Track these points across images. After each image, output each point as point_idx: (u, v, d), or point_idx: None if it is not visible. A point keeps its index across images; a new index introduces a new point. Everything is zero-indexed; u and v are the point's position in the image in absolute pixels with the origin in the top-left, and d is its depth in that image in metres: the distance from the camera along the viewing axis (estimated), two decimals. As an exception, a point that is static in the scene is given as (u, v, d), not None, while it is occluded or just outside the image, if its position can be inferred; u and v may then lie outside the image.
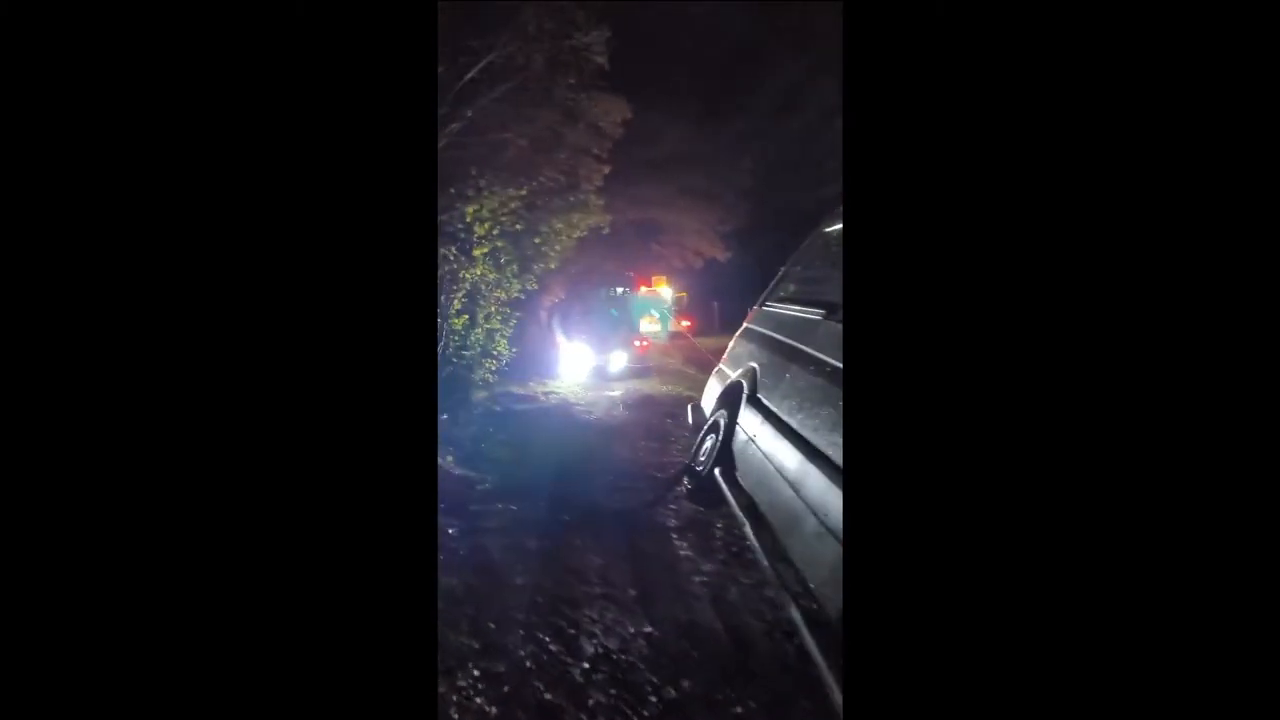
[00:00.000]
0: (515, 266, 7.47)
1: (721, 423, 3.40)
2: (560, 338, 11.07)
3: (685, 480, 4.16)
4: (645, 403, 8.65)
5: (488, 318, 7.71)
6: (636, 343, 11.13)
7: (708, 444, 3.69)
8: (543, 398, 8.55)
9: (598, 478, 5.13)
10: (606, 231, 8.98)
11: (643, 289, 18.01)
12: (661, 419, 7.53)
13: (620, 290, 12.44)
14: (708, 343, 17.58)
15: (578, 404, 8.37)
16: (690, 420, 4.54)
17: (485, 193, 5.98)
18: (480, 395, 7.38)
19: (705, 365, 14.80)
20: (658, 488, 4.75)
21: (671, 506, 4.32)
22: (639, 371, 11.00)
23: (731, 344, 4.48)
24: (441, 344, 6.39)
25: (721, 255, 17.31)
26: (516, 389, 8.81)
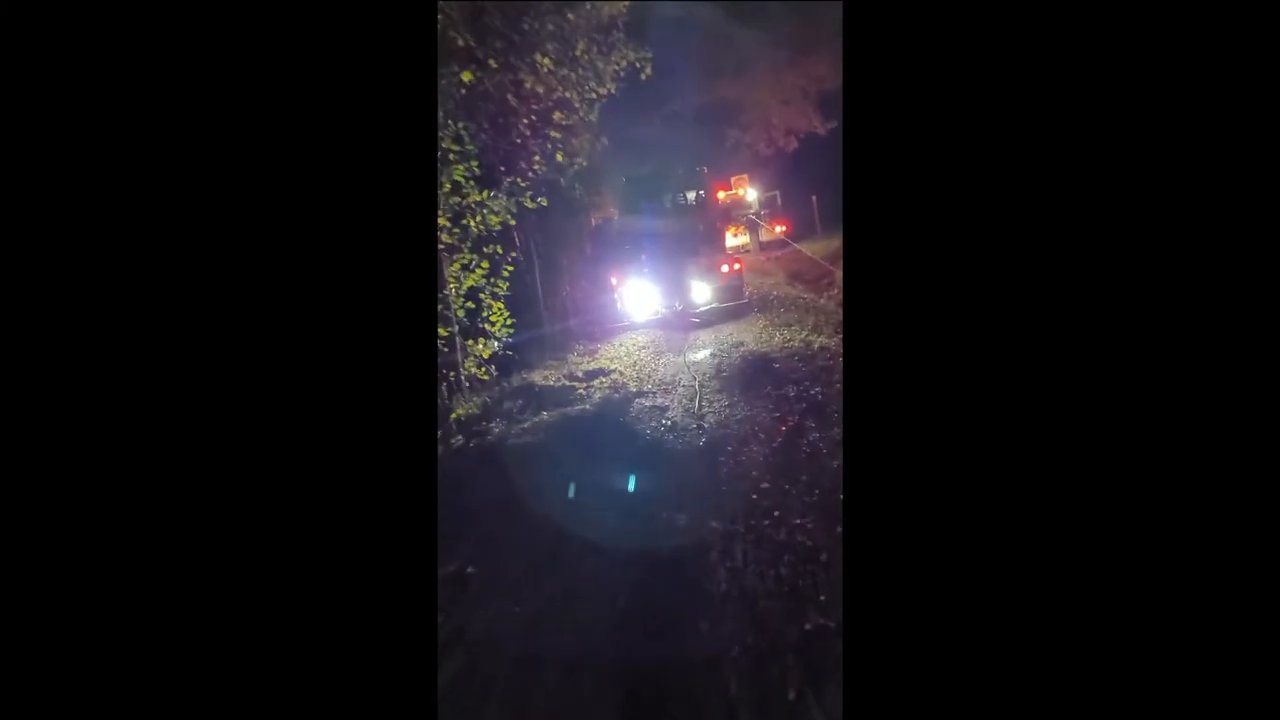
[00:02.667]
0: (475, 165, 3.87)
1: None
2: (613, 279, 7.48)
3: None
4: (761, 371, 4.99)
5: (466, 268, 4.27)
6: (723, 267, 7.31)
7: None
8: (582, 390, 5.06)
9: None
10: (648, 74, 5.04)
11: (720, 194, 13.77)
12: (818, 417, 3.86)
13: (692, 195, 8.46)
14: (811, 248, 13.27)
15: (644, 398, 4.84)
16: None
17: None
18: (464, 412, 4.08)
19: (820, 282, 10.72)
20: None
21: None
22: (732, 309, 7.26)
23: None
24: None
25: (822, 127, 12.59)
26: (539, 377, 5.42)
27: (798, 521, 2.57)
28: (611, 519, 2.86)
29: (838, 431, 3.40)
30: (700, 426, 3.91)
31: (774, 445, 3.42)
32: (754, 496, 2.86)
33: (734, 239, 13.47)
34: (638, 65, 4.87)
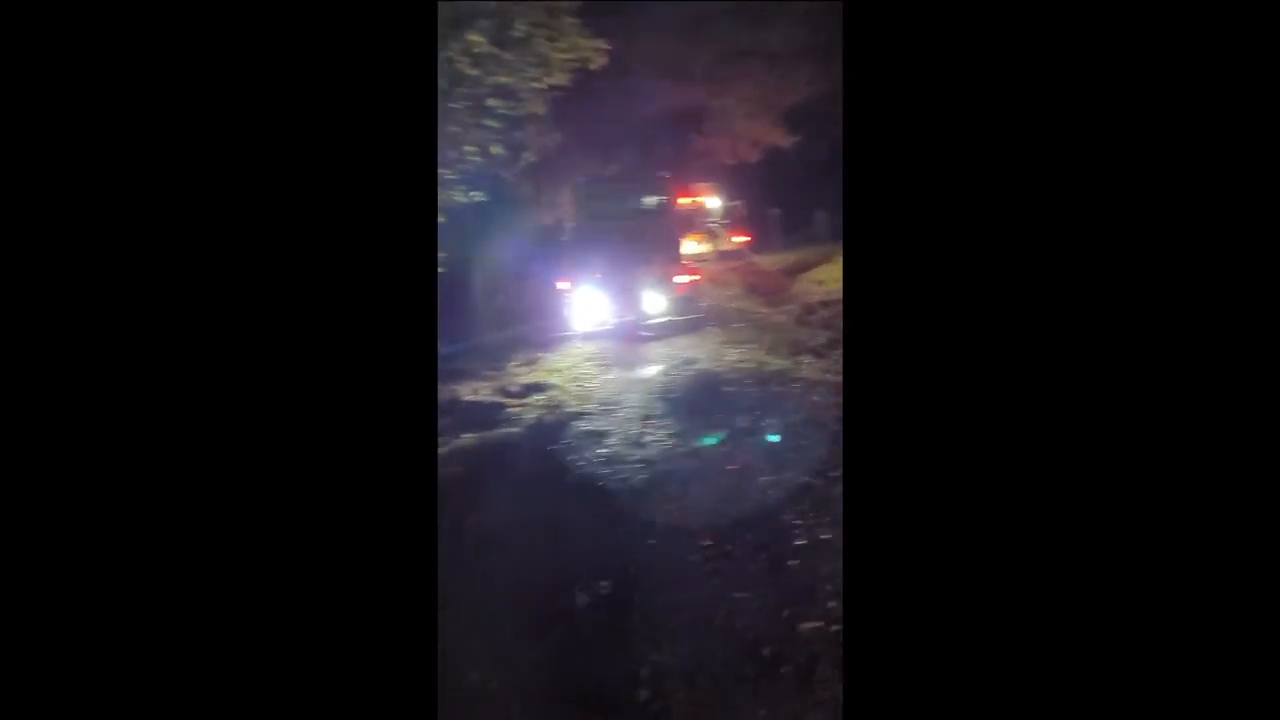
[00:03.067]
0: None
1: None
2: (563, 282, 6.98)
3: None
4: (711, 394, 4.60)
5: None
6: (680, 278, 6.92)
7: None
8: (514, 409, 4.54)
9: None
10: (599, 65, 4.57)
11: (683, 200, 13.43)
12: (770, 457, 3.48)
13: (653, 201, 8.02)
14: (769, 261, 13.10)
15: (582, 420, 4.37)
16: None
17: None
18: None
19: (776, 296, 10.48)
20: None
21: None
22: (687, 321, 6.87)
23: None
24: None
25: (785, 141, 12.40)
26: (468, 392, 4.88)
27: (739, 595, 2.15)
28: (501, 583, 2.38)
29: (789, 475, 3.02)
30: (641, 460, 3.47)
31: (720, 488, 3.01)
32: (691, 559, 2.43)
33: (695, 246, 13.15)
34: (589, 56, 4.39)
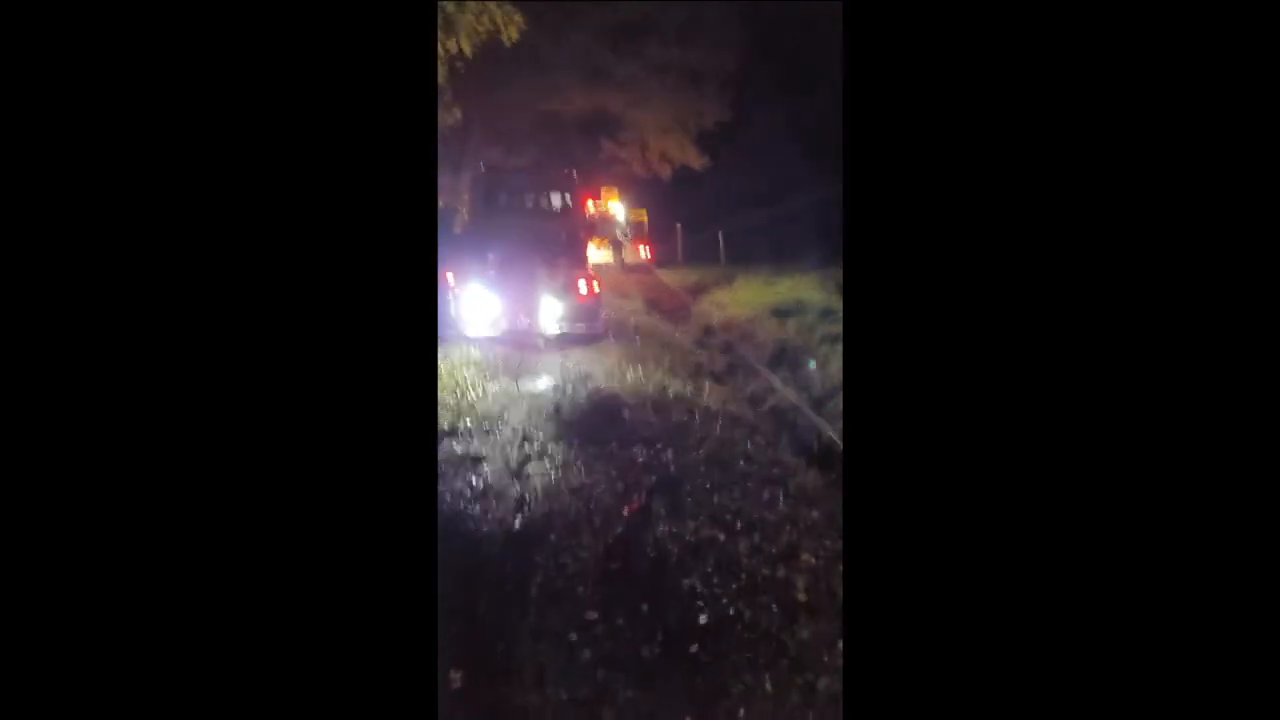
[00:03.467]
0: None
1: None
2: (450, 277, 6.20)
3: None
4: (608, 418, 4.15)
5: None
6: (581, 285, 6.42)
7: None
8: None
9: None
10: (512, 38, 4.00)
11: (589, 203, 12.98)
12: (670, 499, 3.08)
13: (557, 199, 7.47)
14: (671, 277, 13.02)
15: (455, 440, 3.74)
16: None
17: None
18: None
19: (677, 314, 10.32)
20: None
21: None
22: (586, 332, 6.38)
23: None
24: None
25: (696, 161, 12.43)
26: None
27: (629, 694, 1.71)
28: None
29: (692, 524, 2.65)
30: (521, 497, 2.94)
31: (611, 539, 2.56)
32: (571, 638, 1.95)
33: (597, 252, 12.74)
34: (501, 28, 3.81)
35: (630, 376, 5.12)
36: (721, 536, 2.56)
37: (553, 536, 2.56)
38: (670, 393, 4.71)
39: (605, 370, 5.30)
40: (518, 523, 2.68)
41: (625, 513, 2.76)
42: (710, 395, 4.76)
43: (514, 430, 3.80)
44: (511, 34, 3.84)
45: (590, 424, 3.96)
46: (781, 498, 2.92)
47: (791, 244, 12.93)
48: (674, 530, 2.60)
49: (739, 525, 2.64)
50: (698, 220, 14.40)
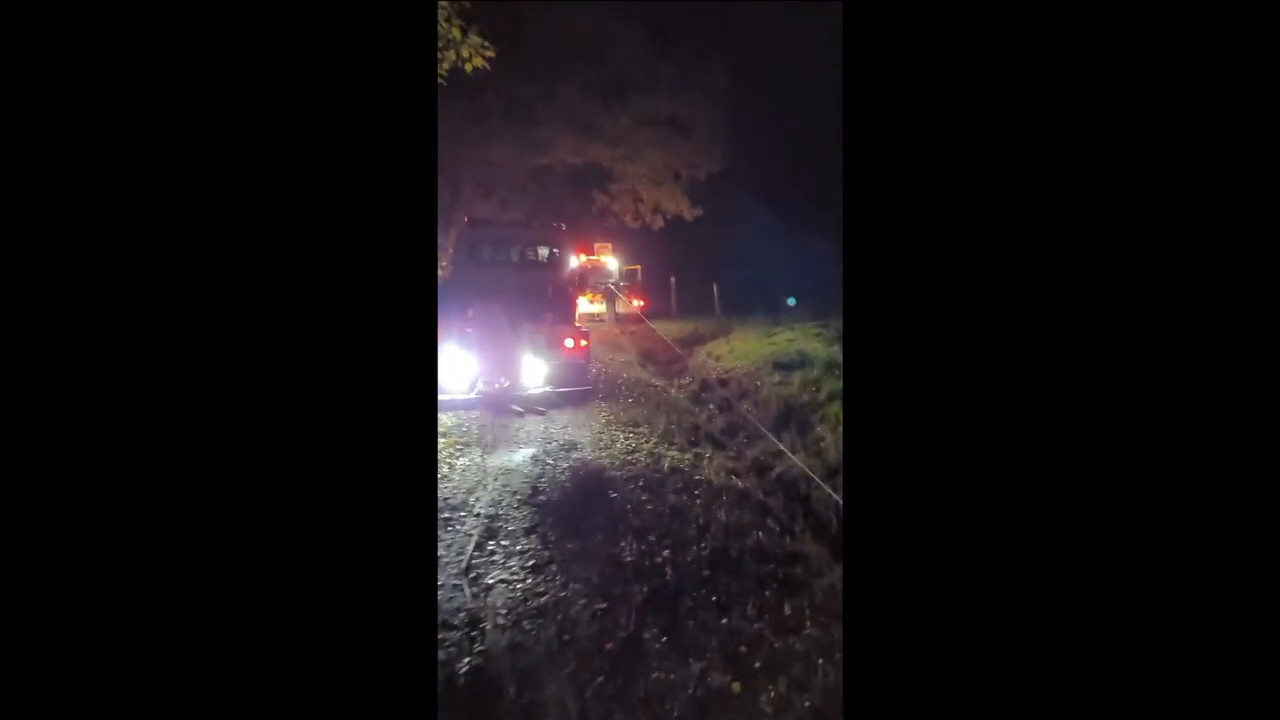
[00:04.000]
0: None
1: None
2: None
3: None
4: (593, 501, 3.52)
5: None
6: (567, 341, 5.89)
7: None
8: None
9: None
10: (475, 65, 3.57)
11: (581, 257, 12.67)
12: (668, 617, 2.39)
13: (545, 252, 7.04)
14: (665, 329, 12.56)
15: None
16: None
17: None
18: None
19: (672, 367, 9.78)
20: None
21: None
22: (574, 391, 5.80)
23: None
24: None
25: (689, 212, 12.20)
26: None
27: None
28: None
29: (696, 666, 1.99)
30: (474, 619, 2.28)
31: (589, 690, 1.89)
32: None
33: (590, 305, 12.34)
34: (468, 55, 3.42)
35: (620, 444, 4.51)
36: (734, 684, 1.90)
37: (511, 690, 1.89)
38: (665, 463, 4.10)
39: (592, 436, 4.69)
40: (464, 665, 2.01)
41: (608, 646, 2.10)
42: (711, 464, 4.14)
43: (479, 517, 3.16)
44: (477, 63, 3.44)
45: (571, 509, 3.32)
46: (807, 611, 2.28)
47: (788, 294, 12.62)
48: (671, 676, 1.94)
49: (757, 665, 1.99)
50: (692, 271, 14.10)
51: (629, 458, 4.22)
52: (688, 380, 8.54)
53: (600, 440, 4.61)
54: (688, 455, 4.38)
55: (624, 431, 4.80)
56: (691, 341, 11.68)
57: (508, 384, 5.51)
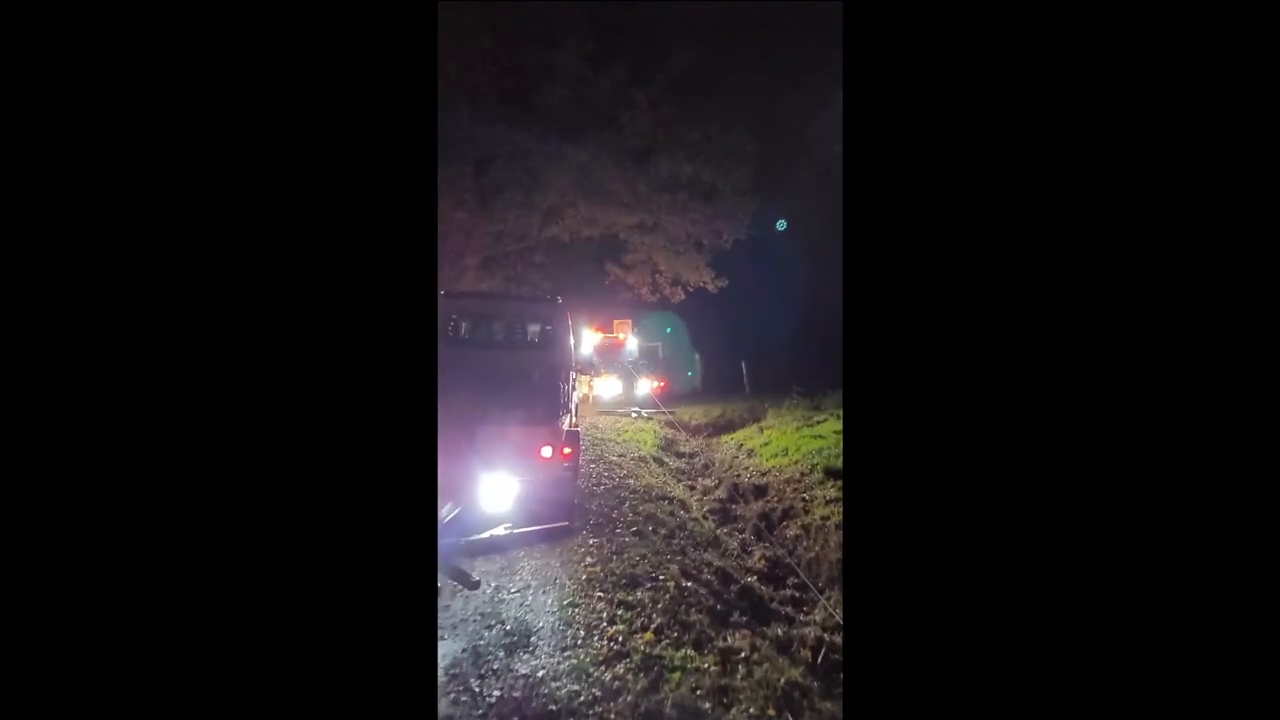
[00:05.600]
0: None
1: None
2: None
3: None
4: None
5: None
6: (545, 449, 4.25)
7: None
8: None
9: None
10: None
11: (601, 336, 11.29)
12: None
13: (535, 329, 5.50)
14: (688, 413, 10.89)
15: None
16: None
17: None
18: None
19: (694, 463, 7.82)
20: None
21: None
22: (547, 524, 4.07)
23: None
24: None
25: (712, 284, 10.81)
26: None
27: None
28: None
29: None
30: None
31: None
32: None
33: (607, 385, 10.83)
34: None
35: (600, 636, 2.74)
36: None
37: None
38: (675, 675, 2.33)
39: (559, 616, 2.94)
40: None
41: None
42: (751, 670, 2.35)
43: None
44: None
45: None
46: None
47: (826, 365, 10.95)
48: None
49: None
50: (719, 349, 12.57)
51: (614, 664, 2.46)
52: (713, 483, 6.77)
53: (572, 621, 2.86)
54: (713, 648, 2.60)
55: (612, 605, 3.04)
56: (719, 428, 9.97)
57: (455, 513, 3.82)
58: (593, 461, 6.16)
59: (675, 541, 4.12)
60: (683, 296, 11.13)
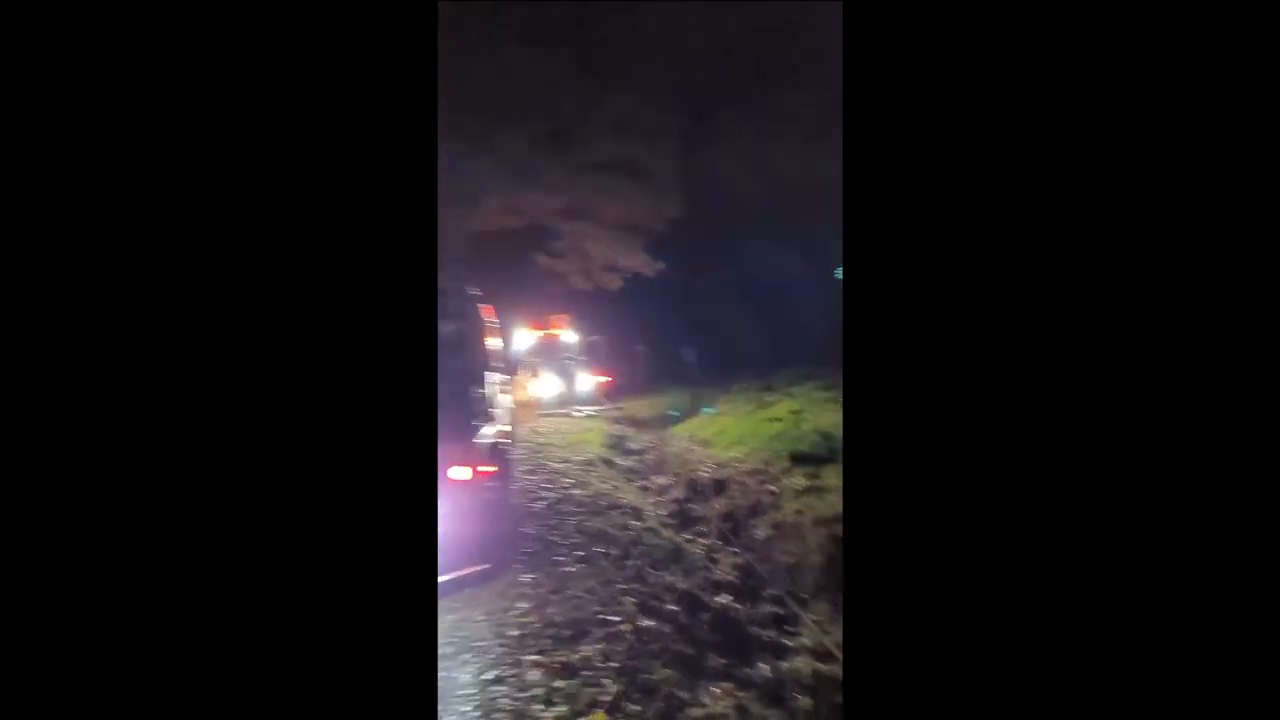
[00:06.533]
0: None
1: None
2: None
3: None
4: None
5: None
6: (457, 470, 3.45)
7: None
8: None
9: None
10: None
11: (540, 334, 10.36)
12: None
13: (449, 331, 4.57)
14: (636, 406, 10.21)
15: None
16: None
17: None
18: None
19: (645, 459, 6.93)
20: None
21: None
22: (461, 571, 3.25)
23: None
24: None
25: (649, 268, 10.15)
26: None
27: None
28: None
29: None
30: None
31: None
32: None
33: (543, 387, 9.94)
34: None
35: (543, 711, 1.99)
36: None
37: None
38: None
39: (478, 686, 2.15)
40: None
41: None
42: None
43: None
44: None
45: None
46: None
47: (777, 345, 10.55)
48: None
49: None
50: (660, 336, 11.95)
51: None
52: (667, 481, 6.13)
53: None
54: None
55: (550, 672, 2.28)
56: (668, 421, 9.38)
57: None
58: (530, 471, 5.36)
59: (630, 563, 3.43)
60: (620, 283, 10.40)
